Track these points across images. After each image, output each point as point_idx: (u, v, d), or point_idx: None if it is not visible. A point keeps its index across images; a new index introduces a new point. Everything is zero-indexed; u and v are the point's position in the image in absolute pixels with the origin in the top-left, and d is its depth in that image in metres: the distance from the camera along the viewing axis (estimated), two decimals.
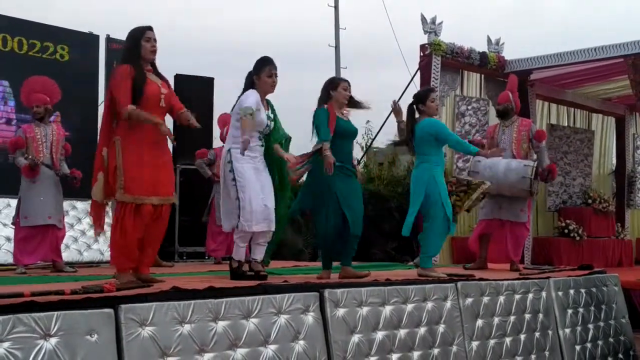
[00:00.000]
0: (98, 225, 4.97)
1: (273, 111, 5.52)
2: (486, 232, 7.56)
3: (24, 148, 6.90)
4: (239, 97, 5.43)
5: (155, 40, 4.86)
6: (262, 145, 5.40)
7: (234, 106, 5.43)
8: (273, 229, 5.35)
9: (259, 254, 5.40)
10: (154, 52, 4.85)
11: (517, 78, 8.17)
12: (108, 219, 5.22)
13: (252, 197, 5.19)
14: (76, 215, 8.61)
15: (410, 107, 6.27)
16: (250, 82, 5.43)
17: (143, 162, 4.69)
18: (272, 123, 5.47)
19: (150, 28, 4.87)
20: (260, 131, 5.36)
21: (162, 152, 4.87)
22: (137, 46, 4.80)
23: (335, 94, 5.68)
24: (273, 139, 5.51)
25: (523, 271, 7.14)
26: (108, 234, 7.93)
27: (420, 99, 6.20)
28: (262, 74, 5.35)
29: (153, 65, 4.93)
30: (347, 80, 5.83)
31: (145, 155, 4.70)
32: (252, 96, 5.28)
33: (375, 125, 13.25)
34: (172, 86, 5.22)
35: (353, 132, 5.85)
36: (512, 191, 7.21)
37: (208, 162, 8.39)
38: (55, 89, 7.18)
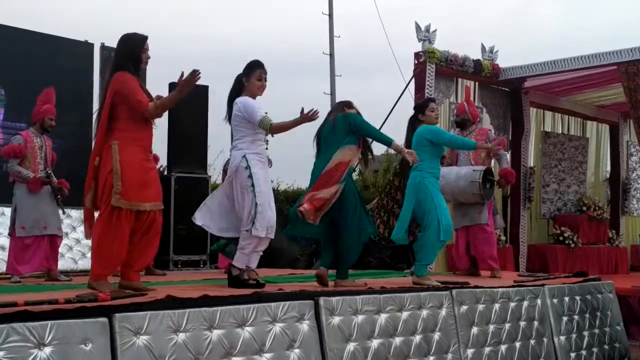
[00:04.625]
0: (88, 229, 4.92)
1: None
2: (463, 242, 7.67)
3: (22, 157, 6.81)
4: (229, 100, 5.51)
5: (148, 50, 4.88)
6: (266, 149, 5.47)
7: (231, 111, 5.45)
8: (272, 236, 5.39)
9: (254, 262, 5.40)
10: (147, 63, 4.88)
11: (469, 88, 8.41)
12: None
13: (266, 204, 5.24)
14: (70, 223, 8.59)
15: (411, 118, 6.36)
16: (239, 85, 5.47)
17: (139, 167, 4.68)
18: None
19: (147, 37, 4.86)
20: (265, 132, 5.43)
21: (151, 158, 4.89)
22: (137, 56, 4.80)
23: None
24: None
25: (518, 278, 7.15)
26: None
27: (420, 108, 6.30)
28: (252, 77, 5.39)
29: None
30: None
31: (141, 160, 4.71)
32: (255, 103, 5.35)
33: None
34: (166, 94, 5.19)
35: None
36: (466, 197, 7.38)
37: None
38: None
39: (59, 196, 6.90)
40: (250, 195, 5.21)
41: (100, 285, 4.60)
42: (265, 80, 5.43)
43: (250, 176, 5.21)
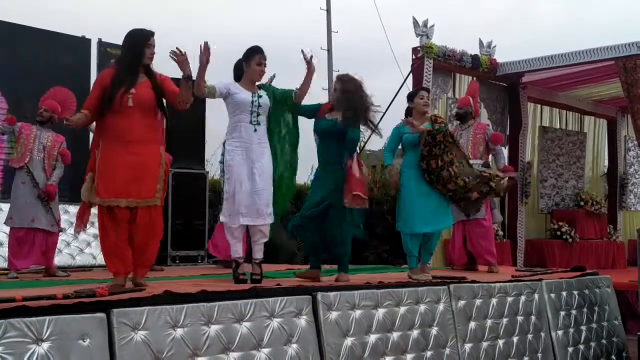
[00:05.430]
0: (79, 223, 4.97)
1: (272, 94, 5.47)
2: (460, 236, 7.67)
3: (10, 126, 6.94)
4: None
5: (154, 46, 4.85)
6: (255, 131, 5.29)
7: None
8: (261, 223, 5.27)
9: (257, 253, 5.38)
10: (151, 59, 4.84)
11: (478, 84, 8.42)
12: None
13: (236, 190, 5.16)
14: (68, 219, 8.57)
15: (406, 108, 6.37)
16: (240, 70, 5.46)
17: (115, 163, 4.64)
18: (268, 107, 5.41)
19: (153, 34, 4.85)
20: (251, 112, 5.30)
21: (141, 152, 4.73)
22: (139, 51, 4.79)
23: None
24: (272, 126, 5.47)
25: (516, 273, 7.15)
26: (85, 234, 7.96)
27: (410, 97, 6.35)
28: (251, 62, 5.37)
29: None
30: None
31: (119, 155, 4.64)
32: (225, 81, 5.32)
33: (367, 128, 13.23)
34: None
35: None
36: None
37: None
38: (72, 104, 7.17)
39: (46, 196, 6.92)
40: (222, 182, 5.23)
41: (114, 282, 4.65)
42: (265, 66, 5.41)
43: (222, 162, 5.22)
